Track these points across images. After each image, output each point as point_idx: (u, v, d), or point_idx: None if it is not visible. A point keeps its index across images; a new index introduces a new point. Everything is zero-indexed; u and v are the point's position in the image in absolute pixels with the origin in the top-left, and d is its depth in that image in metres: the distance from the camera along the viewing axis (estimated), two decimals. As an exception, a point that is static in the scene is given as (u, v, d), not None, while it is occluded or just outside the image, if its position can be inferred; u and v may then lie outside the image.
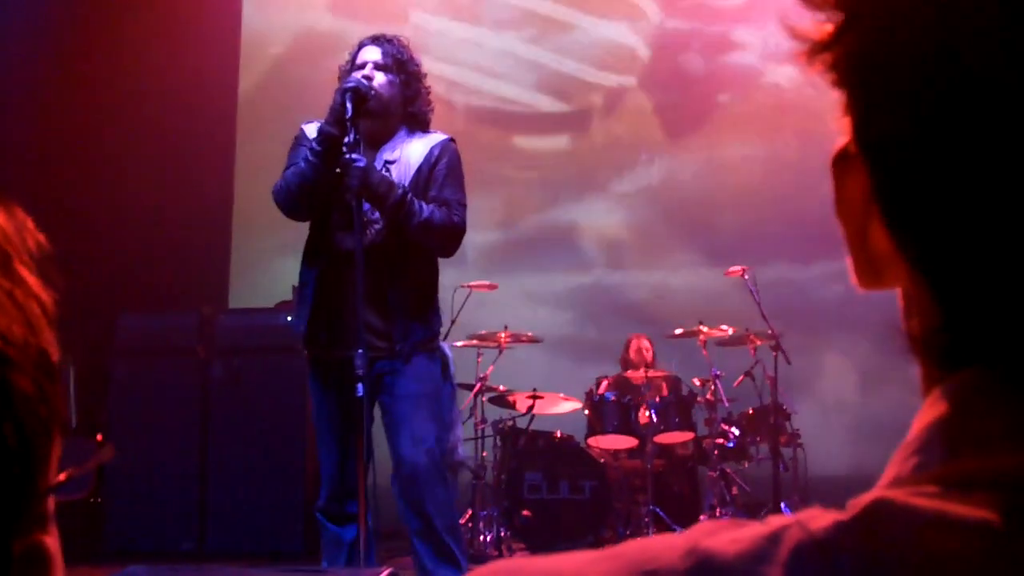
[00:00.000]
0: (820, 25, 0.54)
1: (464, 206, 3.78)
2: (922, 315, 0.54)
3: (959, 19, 0.49)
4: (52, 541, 0.54)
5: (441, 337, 3.90)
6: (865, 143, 0.54)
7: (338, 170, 3.55)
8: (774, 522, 0.49)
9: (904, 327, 0.56)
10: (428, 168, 3.73)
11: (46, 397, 0.53)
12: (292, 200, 3.71)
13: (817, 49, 0.54)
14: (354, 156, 3.51)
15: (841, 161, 0.56)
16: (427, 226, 3.64)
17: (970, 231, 0.49)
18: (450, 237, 3.74)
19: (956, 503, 0.46)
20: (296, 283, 6.25)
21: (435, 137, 3.81)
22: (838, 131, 0.56)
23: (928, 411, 0.52)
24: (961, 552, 0.44)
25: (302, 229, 3.90)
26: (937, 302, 0.52)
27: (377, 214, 3.64)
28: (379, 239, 3.67)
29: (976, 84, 0.48)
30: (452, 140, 3.85)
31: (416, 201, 3.63)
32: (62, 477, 0.54)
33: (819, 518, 0.48)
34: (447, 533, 3.63)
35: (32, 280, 0.54)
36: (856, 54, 0.53)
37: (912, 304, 0.55)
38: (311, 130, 3.75)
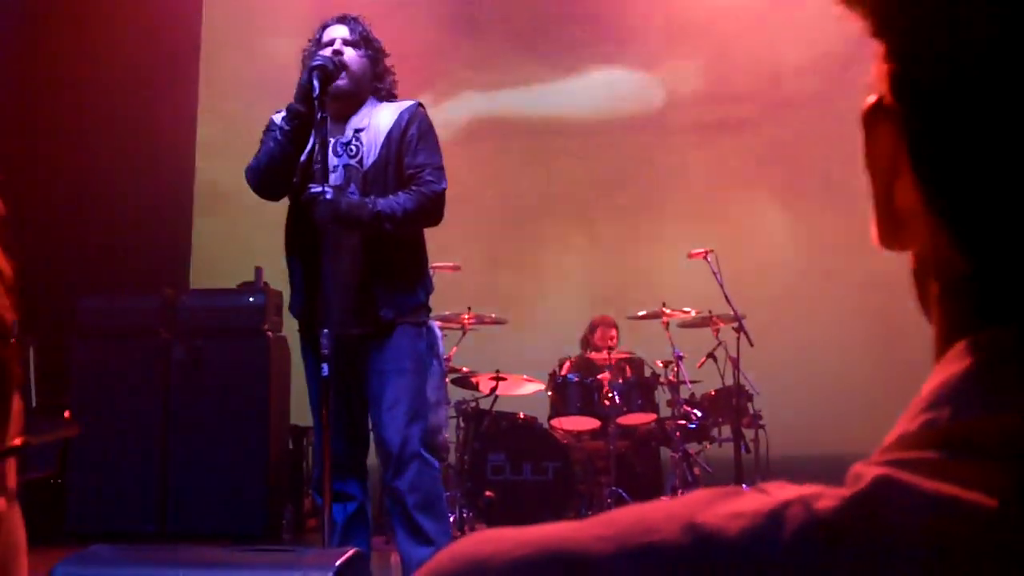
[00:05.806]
0: None
1: (439, 168, 3.75)
2: (944, 271, 0.53)
3: None
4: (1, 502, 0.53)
5: (429, 312, 3.84)
6: (903, 91, 0.52)
7: (305, 199, 3.51)
8: (775, 495, 0.47)
9: (917, 289, 0.56)
10: (399, 134, 3.71)
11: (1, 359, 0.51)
12: (261, 179, 3.71)
13: None
14: (321, 188, 3.46)
15: (873, 114, 0.55)
16: (407, 219, 3.63)
17: (1005, 183, 0.48)
18: (431, 212, 3.71)
19: (960, 478, 0.45)
20: (257, 264, 6.30)
21: (403, 103, 3.80)
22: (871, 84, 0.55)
23: (946, 367, 0.50)
24: (967, 540, 0.43)
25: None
26: (964, 255, 0.51)
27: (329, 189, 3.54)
28: None
29: (1021, 34, 0.47)
30: (420, 105, 3.83)
31: (387, 206, 3.59)
32: (18, 442, 0.53)
33: (823, 497, 0.46)
34: (420, 512, 3.61)
35: None
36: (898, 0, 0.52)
37: (928, 265, 0.55)
38: (280, 119, 3.72)
